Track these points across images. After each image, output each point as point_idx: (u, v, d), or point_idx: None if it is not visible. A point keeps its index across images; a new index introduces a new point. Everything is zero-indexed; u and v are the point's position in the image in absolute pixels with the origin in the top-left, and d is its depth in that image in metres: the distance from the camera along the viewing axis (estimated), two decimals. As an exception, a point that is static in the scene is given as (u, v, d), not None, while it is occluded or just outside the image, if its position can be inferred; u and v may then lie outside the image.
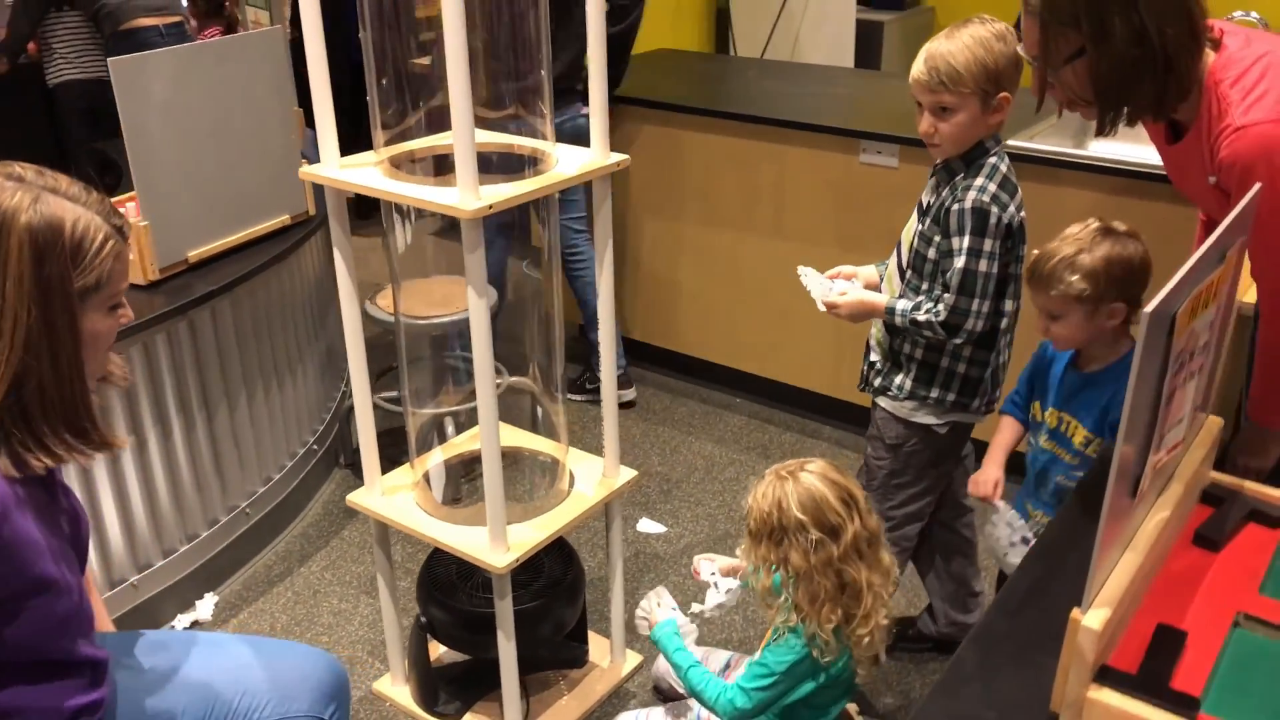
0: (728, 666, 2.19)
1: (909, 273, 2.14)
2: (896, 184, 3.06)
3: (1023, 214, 2.05)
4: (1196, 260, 1.16)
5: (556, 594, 2.26)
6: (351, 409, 3.29)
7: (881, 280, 2.24)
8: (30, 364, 1.27)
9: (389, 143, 1.99)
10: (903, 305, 2.09)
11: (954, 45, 1.94)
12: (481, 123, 2.19)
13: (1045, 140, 2.95)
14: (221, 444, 2.70)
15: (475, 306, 1.84)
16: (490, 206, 1.78)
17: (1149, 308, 1.05)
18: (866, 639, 1.81)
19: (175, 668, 1.57)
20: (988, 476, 2.08)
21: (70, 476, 2.33)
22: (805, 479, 1.79)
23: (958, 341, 2.05)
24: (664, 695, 2.35)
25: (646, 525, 2.99)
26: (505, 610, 2.09)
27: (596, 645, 2.52)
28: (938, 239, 2.05)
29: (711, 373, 3.74)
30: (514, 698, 2.18)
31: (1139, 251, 1.84)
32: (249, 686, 1.59)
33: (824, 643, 1.79)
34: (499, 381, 2.61)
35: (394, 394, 2.95)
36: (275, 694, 1.60)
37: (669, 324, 3.77)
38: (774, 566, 1.81)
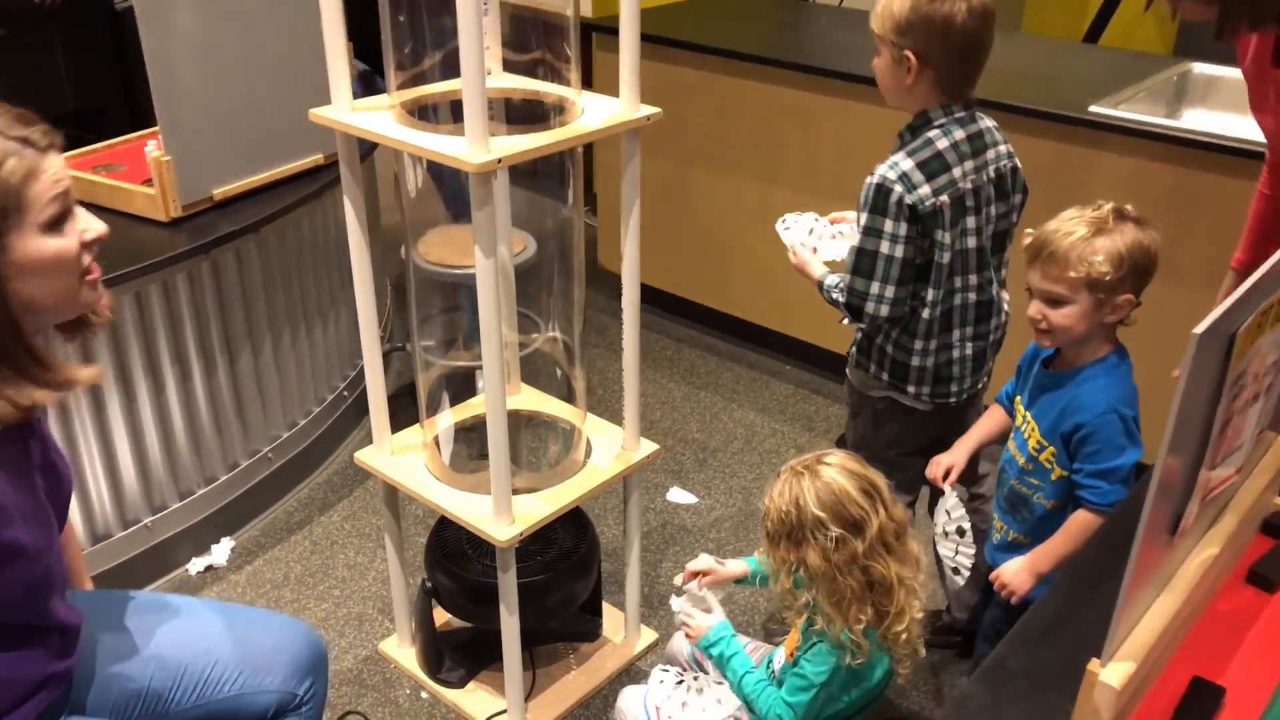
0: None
1: None
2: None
3: (942, 199, 1.87)
4: (1267, 269, 0.99)
5: (567, 567, 2.16)
6: (388, 355, 3.23)
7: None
8: None
9: (404, 85, 1.87)
10: (830, 280, 2.01)
11: None
12: (509, 66, 2.07)
13: (1135, 108, 2.72)
14: (244, 387, 2.64)
15: (483, 268, 1.72)
16: (499, 160, 1.65)
17: (1199, 329, 0.89)
18: (904, 635, 1.69)
19: (146, 634, 1.50)
20: (944, 458, 1.94)
21: (84, 414, 2.29)
22: (824, 473, 1.66)
23: (863, 326, 1.97)
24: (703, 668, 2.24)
25: (677, 495, 2.88)
26: (509, 583, 2.00)
27: (611, 619, 2.42)
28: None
29: (762, 337, 3.58)
30: (516, 673, 2.10)
31: (1155, 242, 1.66)
32: (220, 657, 1.52)
33: (855, 645, 1.67)
34: (528, 339, 2.50)
35: (432, 342, 2.86)
36: (247, 666, 1.53)
37: (721, 284, 3.62)
38: (794, 567, 1.69)
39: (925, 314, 1.96)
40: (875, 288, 1.91)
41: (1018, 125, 2.76)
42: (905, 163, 1.86)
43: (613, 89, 1.89)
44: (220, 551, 2.62)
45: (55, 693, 1.33)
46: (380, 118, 1.82)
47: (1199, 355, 0.90)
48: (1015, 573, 1.78)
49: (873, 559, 1.66)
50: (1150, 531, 0.99)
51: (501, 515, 1.93)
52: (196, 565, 2.58)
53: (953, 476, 1.91)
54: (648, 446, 2.18)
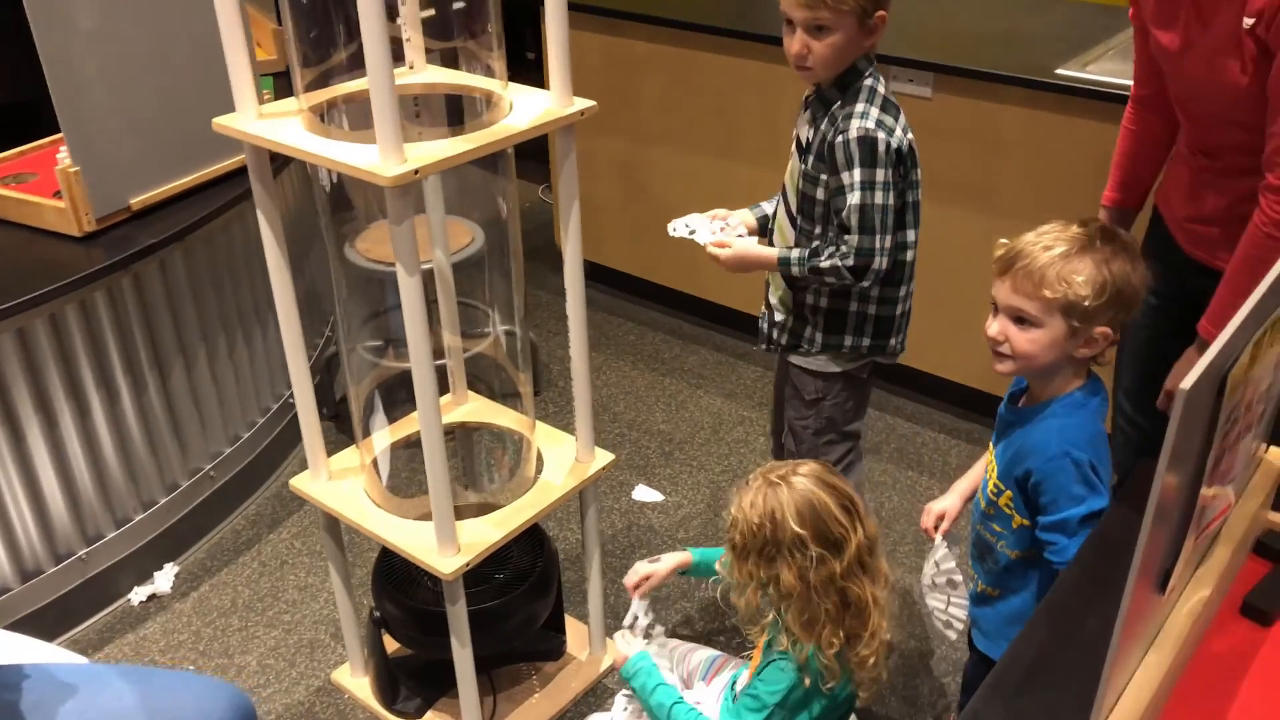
0: (711, 668, 1.96)
1: (799, 218, 1.97)
2: (930, 117, 2.71)
3: (910, 136, 1.89)
4: (1260, 299, 0.86)
5: (524, 589, 2.04)
6: (334, 357, 3.08)
7: (769, 229, 2.08)
8: None
9: (313, 85, 1.71)
10: (798, 254, 1.92)
11: None
12: (431, 56, 1.92)
13: (1102, 69, 2.59)
14: (179, 404, 2.50)
15: (405, 285, 1.58)
16: (416, 172, 1.50)
17: (1186, 383, 0.76)
18: (871, 659, 1.59)
19: (44, 714, 1.37)
20: (935, 505, 1.77)
21: (2, 453, 2.14)
22: (800, 484, 1.54)
23: (865, 284, 1.89)
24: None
25: (643, 493, 2.76)
26: (459, 615, 1.88)
27: (576, 633, 2.31)
28: (824, 177, 1.89)
29: (727, 317, 3.46)
30: (472, 705, 1.98)
31: (1142, 275, 1.47)
32: (133, 732, 1.39)
33: (825, 667, 1.56)
34: (477, 337, 2.37)
35: (379, 342, 2.72)
36: (164, 740, 1.40)
37: (684, 264, 3.48)
38: (764, 584, 1.57)
39: (909, 257, 1.96)
40: (879, 241, 1.86)
41: (983, 91, 2.63)
42: (873, 111, 1.85)
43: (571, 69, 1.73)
44: (163, 579, 2.49)
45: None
46: (287, 125, 1.66)
47: (1188, 411, 0.77)
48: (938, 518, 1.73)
49: (850, 580, 1.55)
50: (1138, 596, 0.87)
51: (445, 546, 1.80)
52: (139, 595, 2.45)
53: (944, 525, 1.75)
54: (604, 457, 2.05)
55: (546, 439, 2.11)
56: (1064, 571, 1.38)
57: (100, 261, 2.22)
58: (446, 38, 1.86)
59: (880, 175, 1.84)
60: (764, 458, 2.87)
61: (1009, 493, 1.55)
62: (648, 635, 1.89)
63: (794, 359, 2.08)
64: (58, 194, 2.26)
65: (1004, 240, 1.52)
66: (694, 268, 3.45)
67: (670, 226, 2.08)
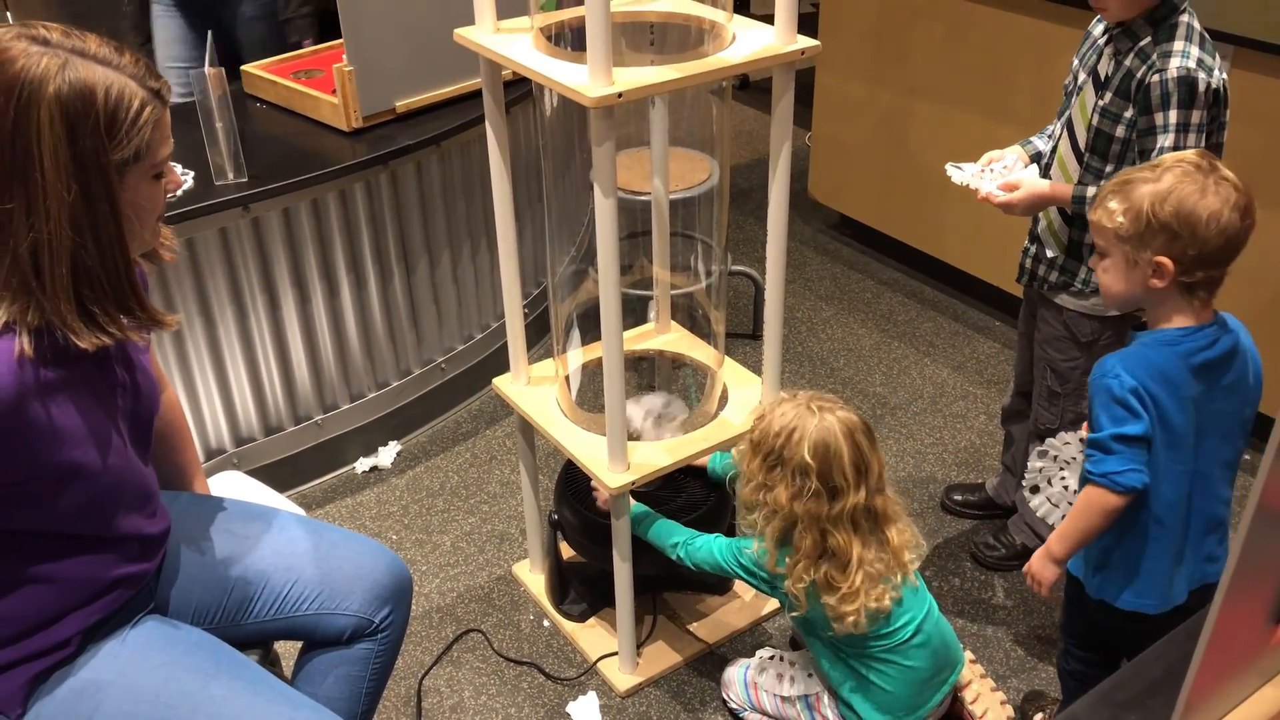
0: (808, 703, 1.94)
1: (1087, 155, 1.91)
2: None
3: (1225, 75, 1.82)
4: None
5: (692, 520, 2.08)
6: (572, 275, 3.21)
7: (1045, 163, 2.02)
8: (76, 243, 1.21)
9: (555, 5, 1.78)
10: (1094, 191, 1.83)
11: None
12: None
13: None
14: (420, 297, 2.69)
15: (601, 207, 1.64)
16: (619, 95, 1.54)
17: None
18: (851, 618, 1.68)
19: (235, 544, 1.55)
20: None
21: (259, 313, 2.40)
22: (831, 423, 1.65)
23: None
24: (799, 647, 2.14)
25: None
26: (622, 529, 1.95)
27: (745, 575, 2.33)
28: (1129, 114, 1.84)
29: (972, 288, 3.31)
30: (628, 618, 2.06)
31: (1219, 207, 1.42)
32: (302, 575, 1.55)
33: (792, 595, 1.72)
34: (683, 280, 2.40)
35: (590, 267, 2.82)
36: (326, 587, 1.55)
37: (934, 226, 3.35)
38: (761, 487, 1.70)
39: None
40: None
41: (1255, 63, 2.36)
42: (1193, 49, 1.79)
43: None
44: (386, 454, 2.72)
45: (130, 592, 1.39)
46: (518, 41, 1.74)
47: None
48: (1035, 561, 1.64)
49: (835, 528, 1.65)
50: (1226, 615, 0.80)
51: (616, 461, 1.87)
52: (363, 465, 2.69)
53: None
54: (787, 405, 2.04)
55: (736, 379, 2.12)
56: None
57: (362, 155, 2.42)
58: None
59: (1196, 118, 1.78)
60: (980, 436, 2.75)
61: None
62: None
63: (1065, 300, 2.02)
64: (335, 91, 2.48)
65: None
66: (943, 231, 3.32)
67: (950, 169, 2.04)
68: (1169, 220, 1.43)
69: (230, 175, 2.25)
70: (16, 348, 1.19)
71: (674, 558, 1.91)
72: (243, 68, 2.69)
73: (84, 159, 1.18)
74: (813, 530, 1.65)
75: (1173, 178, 1.44)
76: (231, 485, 1.88)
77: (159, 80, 1.26)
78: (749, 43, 1.72)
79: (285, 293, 2.42)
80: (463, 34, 1.79)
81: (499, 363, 3.01)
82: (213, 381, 2.40)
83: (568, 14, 1.77)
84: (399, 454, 2.74)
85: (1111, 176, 1.82)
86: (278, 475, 2.54)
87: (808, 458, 1.62)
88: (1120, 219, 1.46)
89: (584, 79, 1.56)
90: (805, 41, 1.72)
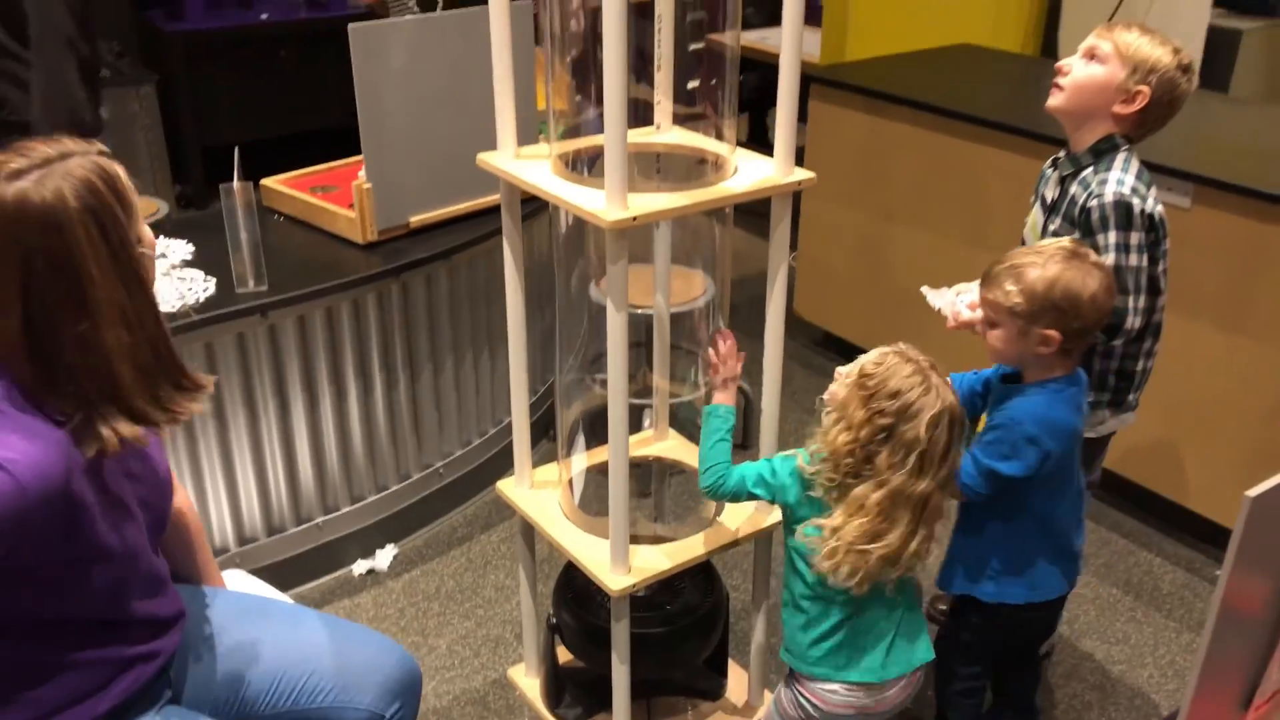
0: None
1: None
2: (1187, 229, 2.63)
3: (1160, 206, 1.97)
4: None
5: (688, 623, 2.14)
6: (571, 383, 3.31)
7: None
8: (132, 339, 1.28)
9: (566, 135, 1.93)
10: None
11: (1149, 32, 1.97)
12: (676, 118, 2.09)
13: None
14: (422, 403, 2.78)
15: (612, 320, 1.75)
16: (634, 219, 1.67)
17: (1253, 492, 0.79)
18: (831, 564, 1.72)
19: (252, 636, 1.61)
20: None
21: (270, 415, 2.48)
22: (950, 401, 1.69)
23: (1116, 343, 1.97)
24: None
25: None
26: (621, 632, 2.01)
27: (736, 679, 2.38)
28: (1076, 237, 1.96)
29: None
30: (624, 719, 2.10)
31: (1096, 288, 1.74)
32: (318, 668, 1.61)
33: (812, 476, 1.77)
34: (682, 394, 2.50)
35: (595, 375, 2.92)
36: (341, 681, 1.61)
37: (914, 344, 3.48)
38: (841, 420, 1.72)
39: (1157, 317, 2.05)
40: (1133, 301, 1.93)
41: (1245, 207, 2.53)
42: (1127, 178, 1.95)
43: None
44: (384, 557, 2.77)
45: (148, 669, 1.43)
46: (538, 166, 1.88)
47: (1254, 518, 0.80)
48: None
49: (894, 499, 1.66)
50: (1200, 705, 0.88)
51: (618, 564, 1.94)
52: (360, 567, 2.74)
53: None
54: (779, 513, 2.13)
55: (733, 485, 2.21)
56: None
57: (376, 268, 2.54)
58: (690, 104, 2.03)
59: (1135, 239, 1.91)
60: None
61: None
62: None
63: None
64: (351, 206, 2.61)
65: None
66: (922, 349, 3.45)
67: (927, 291, 2.20)
68: (1059, 301, 1.72)
69: (251, 284, 2.36)
70: (64, 434, 1.26)
71: (708, 483, 1.91)
72: (262, 182, 2.83)
73: (115, 250, 1.25)
74: (858, 451, 1.68)
75: (1057, 265, 1.73)
76: (236, 584, 1.94)
77: (94, 142, 1.31)
78: (751, 173, 1.86)
79: (295, 397, 2.50)
80: (486, 159, 1.93)
81: (495, 468, 3.10)
82: (221, 482, 2.47)
83: (583, 142, 1.92)
84: (395, 557, 2.80)
85: None
86: (279, 575, 2.58)
87: (922, 432, 1.64)
88: (1017, 299, 1.74)
89: (601, 203, 1.69)
90: (802, 174, 1.86)
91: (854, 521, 1.69)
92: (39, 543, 1.25)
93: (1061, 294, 1.72)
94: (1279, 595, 0.90)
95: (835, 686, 1.84)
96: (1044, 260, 1.75)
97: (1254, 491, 0.78)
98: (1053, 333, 1.74)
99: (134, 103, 4.34)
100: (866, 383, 1.70)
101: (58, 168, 1.22)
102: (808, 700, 1.88)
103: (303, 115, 4.84)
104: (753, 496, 1.90)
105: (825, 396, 1.81)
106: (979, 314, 2.06)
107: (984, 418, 1.93)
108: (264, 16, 4.94)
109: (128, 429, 1.29)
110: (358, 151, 3.01)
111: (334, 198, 2.75)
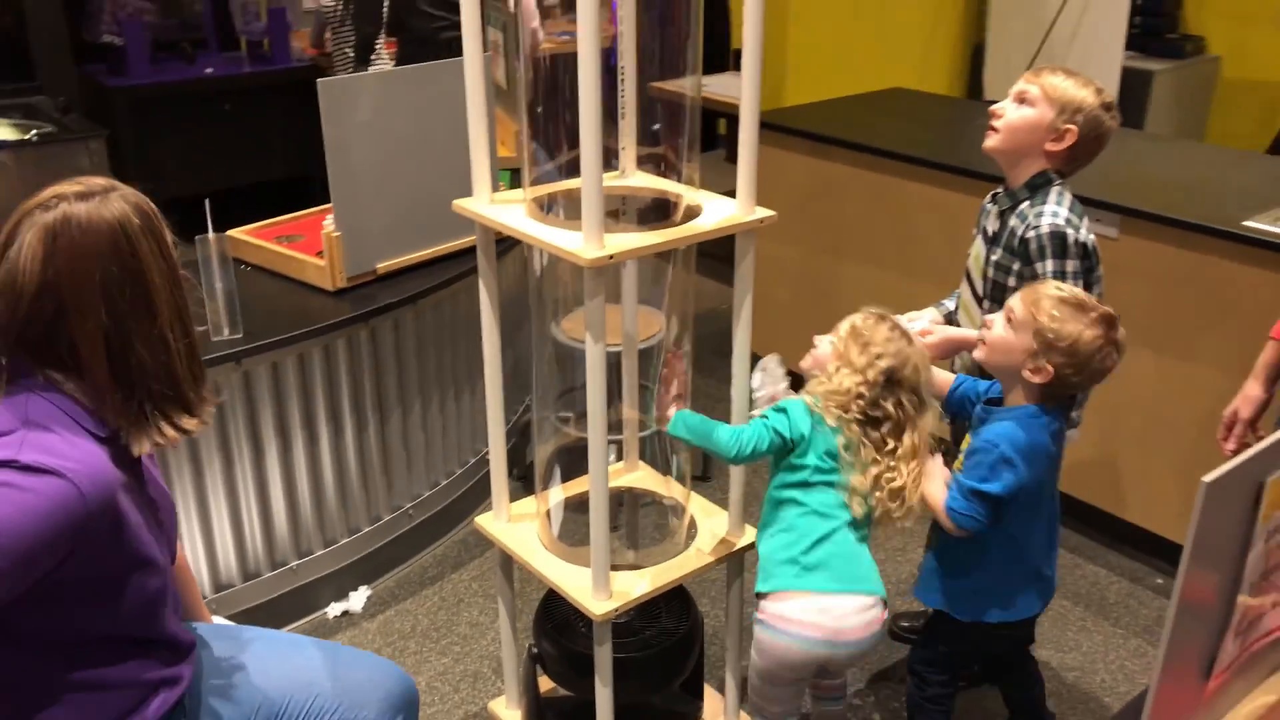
0: None
1: (986, 302, 2.19)
2: (1116, 257, 2.80)
3: (1093, 236, 2.09)
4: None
5: (666, 646, 2.22)
6: (530, 424, 3.38)
7: (953, 315, 2.31)
8: (182, 343, 1.43)
9: (538, 181, 2.02)
10: None
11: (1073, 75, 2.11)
12: (645, 160, 2.20)
13: (1292, 223, 2.63)
14: (391, 446, 2.84)
15: (591, 353, 1.84)
16: (610, 257, 1.76)
17: (1208, 478, 0.90)
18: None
19: (255, 667, 1.66)
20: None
21: (244, 461, 2.51)
22: (916, 356, 1.96)
23: None
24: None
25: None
26: (604, 656, 2.07)
27: (712, 702, 2.45)
28: (1016, 266, 2.12)
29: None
30: (607, 745, 2.16)
31: (1102, 365, 1.87)
32: (321, 690, 1.66)
33: (809, 409, 1.98)
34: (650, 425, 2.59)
35: (568, 413, 3.00)
36: (345, 699, 1.66)
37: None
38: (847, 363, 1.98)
39: None
40: None
41: (1169, 236, 2.71)
42: (1061, 210, 2.07)
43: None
44: (357, 599, 2.81)
45: (171, 695, 1.48)
46: (513, 210, 1.97)
47: (1209, 504, 0.90)
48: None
49: (883, 422, 1.95)
50: (1173, 667, 0.99)
51: (599, 590, 2.01)
52: (334, 609, 2.77)
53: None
54: (751, 535, 2.22)
55: (703, 513, 2.30)
56: None
57: (346, 314, 2.60)
58: (654, 146, 2.14)
59: (1071, 266, 2.05)
60: (918, 568, 2.95)
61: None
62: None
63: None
64: (320, 254, 2.67)
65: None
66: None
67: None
68: (1076, 354, 1.85)
69: (226, 332, 2.40)
70: (108, 448, 1.34)
71: (730, 447, 2.00)
72: (228, 233, 2.87)
73: (168, 261, 1.40)
74: (859, 398, 1.93)
75: (1095, 330, 1.85)
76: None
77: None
78: (715, 212, 1.97)
79: (269, 442, 2.54)
80: (462, 205, 2.01)
81: (463, 507, 3.15)
82: (197, 529, 2.50)
83: (558, 186, 2.01)
84: (369, 598, 2.83)
85: None
86: (254, 619, 2.60)
87: (880, 361, 1.95)
88: (1049, 334, 1.84)
89: (579, 243, 1.78)
90: (763, 212, 1.98)
91: (909, 464, 1.95)
92: (92, 552, 1.32)
93: (1083, 351, 1.85)
94: (1233, 573, 1.01)
95: (803, 603, 1.98)
96: (1090, 319, 1.86)
97: (1209, 477, 0.89)
98: (1050, 369, 1.86)
99: (84, 157, 4.35)
100: (860, 335, 1.99)
101: (114, 193, 1.37)
102: (771, 627, 2.01)
103: (249, 167, 4.88)
104: (773, 442, 2.01)
105: (806, 363, 2.10)
106: (924, 342, 2.18)
107: (969, 437, 2.03)
108: (208, 71, 5.00)
109: (187, 421, 1.42)
110: (307, 202, 3.09)
111: (300, 246, 2.80)
